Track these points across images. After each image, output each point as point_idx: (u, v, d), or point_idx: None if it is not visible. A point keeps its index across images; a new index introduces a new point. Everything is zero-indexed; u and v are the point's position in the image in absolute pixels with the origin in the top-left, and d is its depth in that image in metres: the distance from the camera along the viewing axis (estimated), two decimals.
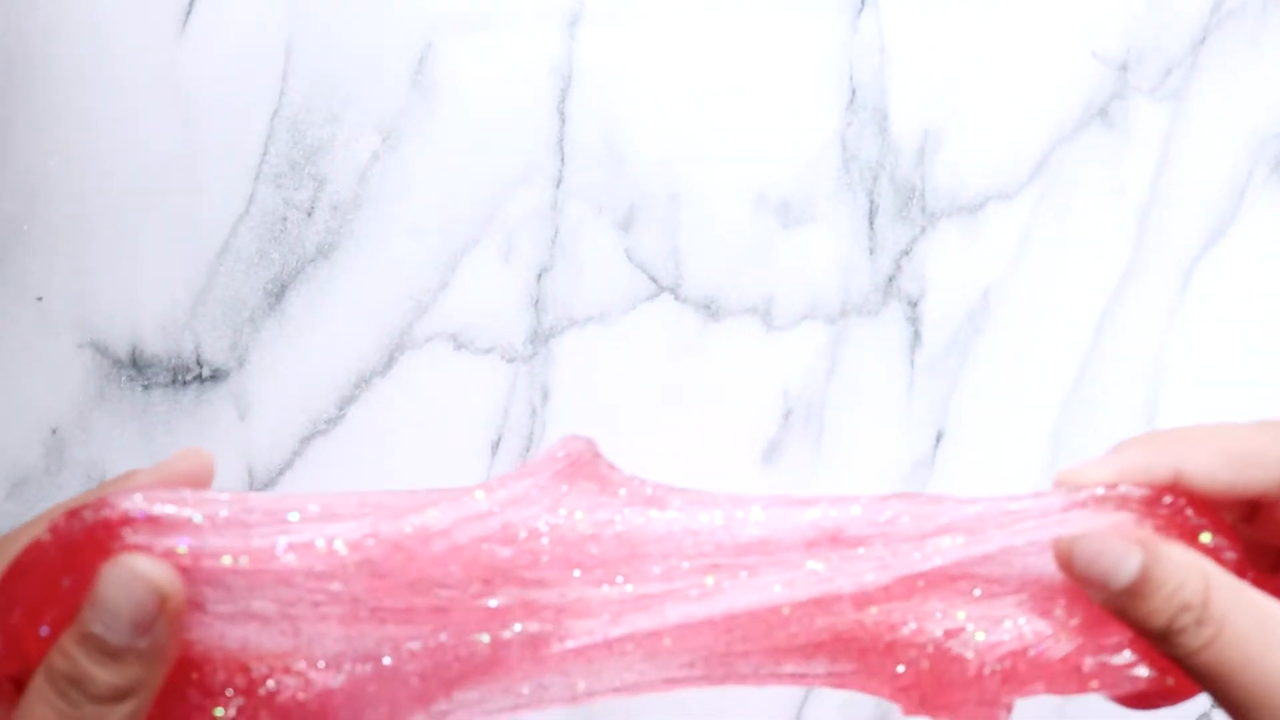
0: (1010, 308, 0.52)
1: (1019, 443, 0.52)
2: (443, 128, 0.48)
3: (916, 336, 0.52)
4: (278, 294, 0.48)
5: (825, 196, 0.51)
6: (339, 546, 0.29)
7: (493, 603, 0.30)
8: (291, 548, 0.28)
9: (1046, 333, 0.53)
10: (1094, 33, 0.52)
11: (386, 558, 0.29)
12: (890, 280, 0.51)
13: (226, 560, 0.28)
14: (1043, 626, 0.31)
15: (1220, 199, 0.53)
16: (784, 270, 0.51)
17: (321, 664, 0.29)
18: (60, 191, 0.46)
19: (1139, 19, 0.52)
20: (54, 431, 0.46)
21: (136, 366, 0.47)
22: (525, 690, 0.31)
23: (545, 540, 0.31)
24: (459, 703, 0.30)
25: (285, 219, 0.47)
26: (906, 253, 0.51)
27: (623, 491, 0.32)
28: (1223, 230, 0.53)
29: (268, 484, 0.48)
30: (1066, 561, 0.29)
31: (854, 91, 0.51)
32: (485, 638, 0.30)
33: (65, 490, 0.47)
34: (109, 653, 0.26)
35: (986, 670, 0.31)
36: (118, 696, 0.26)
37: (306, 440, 0.48)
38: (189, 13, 0.47)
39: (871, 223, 0.51)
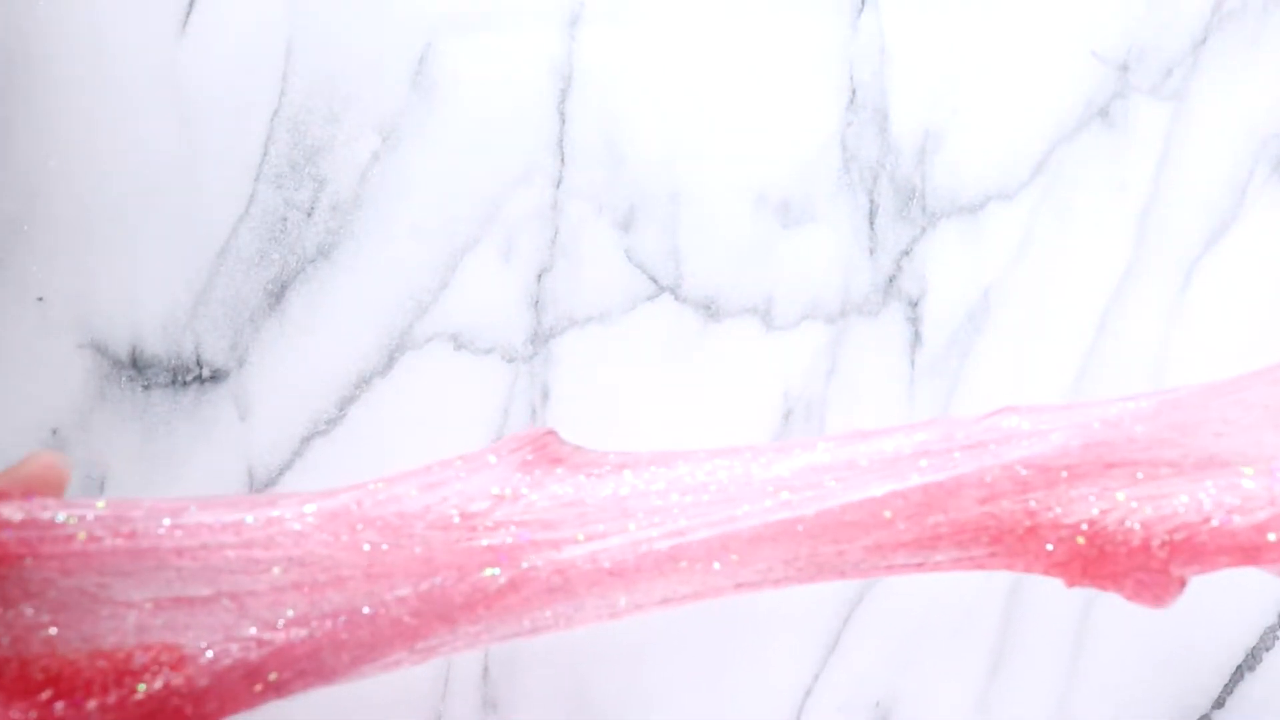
0: (1010, 308, 0.52)
1: None
2: (443, 128, 0.48)
3: (916, 336, 0.52)
4: (278, 294, 0.48)
5: (825, 196, 0.51)
6: (250, 520, 0.28)
7: (484, 542, 0.28)
8: (179, 526, 0.28)
9: (1046, 333, 0.52)
10: (1094, 33, 0.52)
11: (320, 526, 0.28)
12: (890, 280, 0.51)
13: (80, 541, 0.27)
14: (1230, 500, 0.29)
15: (1220, 199, 0.53)
16: (784, 270, 0.51)
17: (281, 623, 0.28)
18: (60, 191, 0.46)
19: (1139, 19, 0.52)
20: (54, 432, 0.46)
21: (136, 367, 0.47)
22: (548, 614, 0.29)
23: (527, 491, 0.29)
24: (461, 635, 0.29)
25: (285, 219, 0.47)
26: (906, 253, 0.51)
27: (612, 456, 0.30)
28: (1223, 230, 0.53)
29: (268, 484, 0.48)
30: None
31: (854, 91, 0.51)
32: (495, 571, 0.28)
33: (66, 491, 0.47)
34: None
35: (1155, 542, 0.28)
36: None
37: (307, 440, 0.48)
38: (189, 13, 0.47)
39: (871, 223, 0.51)
